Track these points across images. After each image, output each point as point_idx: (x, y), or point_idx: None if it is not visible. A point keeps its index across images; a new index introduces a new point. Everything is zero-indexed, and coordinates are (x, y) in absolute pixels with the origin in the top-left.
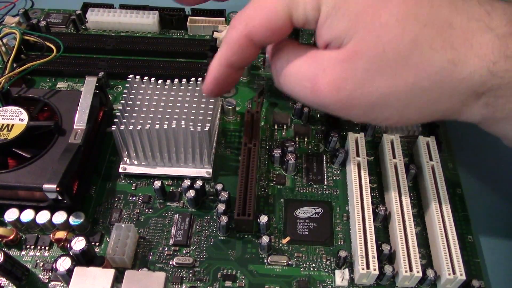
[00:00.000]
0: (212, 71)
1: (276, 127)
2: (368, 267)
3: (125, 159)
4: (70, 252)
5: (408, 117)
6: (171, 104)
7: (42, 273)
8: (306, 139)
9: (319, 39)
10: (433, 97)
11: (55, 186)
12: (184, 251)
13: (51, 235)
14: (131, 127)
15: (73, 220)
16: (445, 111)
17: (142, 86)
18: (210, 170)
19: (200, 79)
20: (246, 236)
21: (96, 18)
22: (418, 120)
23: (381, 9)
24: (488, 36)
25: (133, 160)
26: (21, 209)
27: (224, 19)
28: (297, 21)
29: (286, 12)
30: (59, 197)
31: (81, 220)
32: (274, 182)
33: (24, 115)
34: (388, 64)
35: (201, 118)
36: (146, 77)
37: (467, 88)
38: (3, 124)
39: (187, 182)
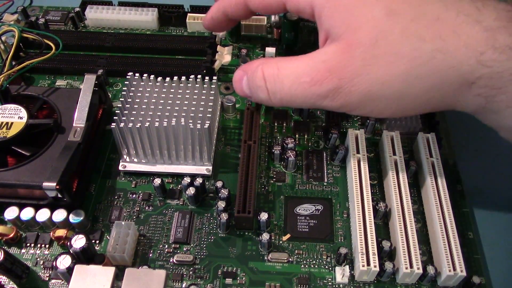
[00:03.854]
0: (211, 10)
1: (276, 124)
2: (368, 264)
3: (125, 156)
4: (70, 250)
5: (405, 107)
6: (170, 102)
7: (43, 271)
8: (306, 136)
9: (320, 31)
10: (426, 85)
11: (54, 184)
12: (185, 249)
13: (51, 233)
14: (130, 124)
15: (73, 218)
16: (440, 101)
17: (141, 83)
18: (210, 168)
19: (199, 76)
20: (246, 234)
21: (95, 16)
22: (415, 110)
23: (372, 4)
24: (476, 28)
25: (132, 158)
26: (21, 207)
27: None
28: (290, 8)
29: None
30: (59, 195)
31: (81, 218)
32: (274, 179)
33: (23, 113)
34: (381, 53)
35: (201, 115)
36: (145, 75)
37: (458, 77)
38: (2, 122)
39: (187, 180)
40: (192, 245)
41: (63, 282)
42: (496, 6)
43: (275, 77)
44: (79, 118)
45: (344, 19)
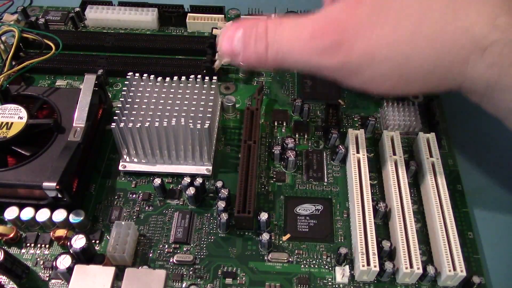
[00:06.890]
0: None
1: (276, 124)
2: (368, 264)
3: (125, 156)
4: (70, 250)
5: (407, 78)
6: (170, 102)
7: (42, 271)
8: (306, 136)
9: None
10: (435, 48)
11: (54, 184)
12: (185, 249)
13: (51, 233)
14: (130, 124)
15: (73, 218)
16: (448, 70)
17: (141, 83)
18: (210, 168)
19: (199, 76)
20: (246, 233)
21: (95, 16)
22: (417, 83)
23: None
24: None
25: (132, 158)
26: (21, 207)
27: (223, 15)
28: None
29: None
30: (59, 195)
31: (81, 218)
32: (274, 179)
33: (23, 113)
34: (388, 12)
35: (201, 115)
36: (145, 75)
37: (469, 39)
38: (2, 122)
39: (187, 180)
40: (192, 245)
41: (63, 282)
42: None
43: (276, 26)
44: (79, 118)
45: None
